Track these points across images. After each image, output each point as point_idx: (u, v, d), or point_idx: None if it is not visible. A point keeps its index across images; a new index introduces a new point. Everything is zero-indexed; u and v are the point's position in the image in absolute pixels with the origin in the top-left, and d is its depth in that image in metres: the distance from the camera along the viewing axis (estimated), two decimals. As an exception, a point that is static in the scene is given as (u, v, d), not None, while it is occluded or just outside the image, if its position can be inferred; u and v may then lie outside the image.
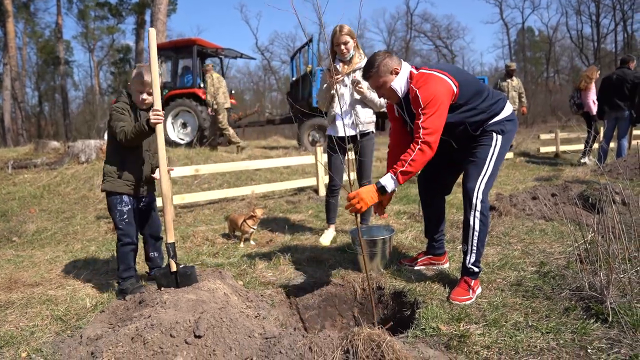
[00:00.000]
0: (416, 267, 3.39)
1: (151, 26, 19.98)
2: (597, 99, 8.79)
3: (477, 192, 2.74)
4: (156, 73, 2.90)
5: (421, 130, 2.59)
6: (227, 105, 10.75)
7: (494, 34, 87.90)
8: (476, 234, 2.76)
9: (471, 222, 2.76)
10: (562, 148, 11.47)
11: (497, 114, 2.86)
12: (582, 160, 9.43)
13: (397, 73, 2.81)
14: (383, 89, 2.87)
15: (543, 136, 12.53)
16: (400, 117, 2.98)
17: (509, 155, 10.71)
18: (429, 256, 3.42)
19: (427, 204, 3.38)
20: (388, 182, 2.61)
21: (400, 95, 2.83)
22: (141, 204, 3.28)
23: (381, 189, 2.62)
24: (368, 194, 2.59)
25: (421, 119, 2.61)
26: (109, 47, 43.06)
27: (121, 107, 3.01)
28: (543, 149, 11.58)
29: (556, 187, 5.34)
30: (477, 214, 2.74)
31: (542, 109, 39.20)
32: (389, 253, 3.43)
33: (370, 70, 2.83)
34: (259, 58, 47.39)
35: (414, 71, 2.80)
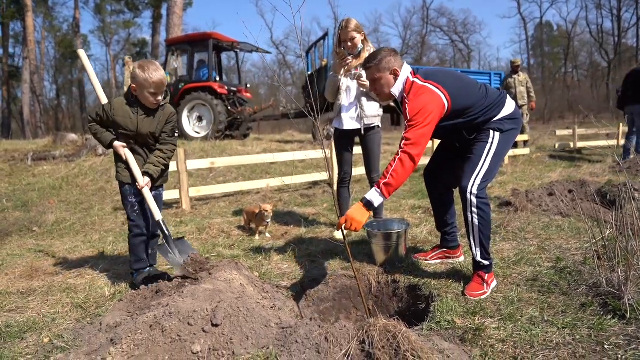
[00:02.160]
0: (431, 261, 3.39)
1: (167, 20, 20.20)
2: (622, 91, 8.55)
3: (471, 188, 2.72)
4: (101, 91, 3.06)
5: (403, 141, 2.60)
6: None
7: (511, 28, 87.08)
8: (476, 228, 2.75)
9: (469, 218, 2.76)
10: (580, 144, 11.33)
11: (495, 116, 2.84)
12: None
13: (396, 75, 2.82)
14: (377, 84, 2.87)
15: (559, 132, 12.38)
16: None
17: (525, 151, 10.60)
18: (444, 250, 3.41)
19: (434, 199, 3.37)
20: (373, 196, 2.61)
21: (396, 96, 2.85)
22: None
23: (368, 204, 2.61)
24: (357, 213, 2.60)
25: (406, 130, 2.63)
26: (125, 41, 43.51)
27: (105, 109, 2.99)
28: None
29: (573, 183, 5.29)
30: (474, 209, 2.73)
31: (559, 105, 38.73)
32: (405, 247, 3.44)
33: (371, 62, 2.83)
34: (274, 52, 47.47)
35: (410, 77, 2.79)
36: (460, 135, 2.92)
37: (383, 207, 4.46)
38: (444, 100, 2.67)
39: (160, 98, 2.95)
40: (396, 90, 2.82)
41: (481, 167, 2.77)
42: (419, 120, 2.60)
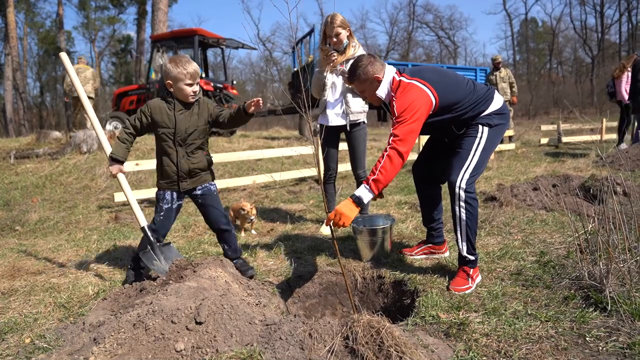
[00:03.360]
0: (416, 257, 3.41)
1: (152, 16, 19.99)
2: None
3: (460, 183, 2.74)
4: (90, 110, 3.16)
5: (391, 138, 2.62)
6: (75, 95, 10.85)
7: (497, 24, 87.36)
8: (464, 223, 2.77)
9: (457, 213, 2.77)
10: (565, 139, 11.45)
11: (483, 111, 2.86)
12: (620, 147, 9.32)
13: (379, 81, 2.85)
14: (365, 94, 2.95)
15: (544, 127, 12.50)
16: None
17: (510, 146, 10.69)
18: (429, 245, 3.43)
19: (422, 193, 3.39)
20: (363, 193, 2.62)
21: (383, 99, 2.89)
22: (197, 199, 3.20)
23: (357, 201, 2.62)
24: (347, 208, 2.60)
25: (393, 127, 2.64)
26: (110, 38, 42.95)
27: (142, 112, 3.00)
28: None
29: (557, 177, 5.34)
30: (462, 203, 2.75)
31: (544, 101, 39.08)
32: (390, 242, 3.45)
33: (352, 78, 2.90)
34: (260, 48, 47.21)
35: (396, 77, 2.81)
36: (449, 130, 2.94)
37: (369, 203, 4.47)
38: (431, 97, 2.69)
39: (197, 88, 2.97)
40: (382, 92, 2.86)
41: (470, 162, 2.79)
42: (407, 117, 2.61)
